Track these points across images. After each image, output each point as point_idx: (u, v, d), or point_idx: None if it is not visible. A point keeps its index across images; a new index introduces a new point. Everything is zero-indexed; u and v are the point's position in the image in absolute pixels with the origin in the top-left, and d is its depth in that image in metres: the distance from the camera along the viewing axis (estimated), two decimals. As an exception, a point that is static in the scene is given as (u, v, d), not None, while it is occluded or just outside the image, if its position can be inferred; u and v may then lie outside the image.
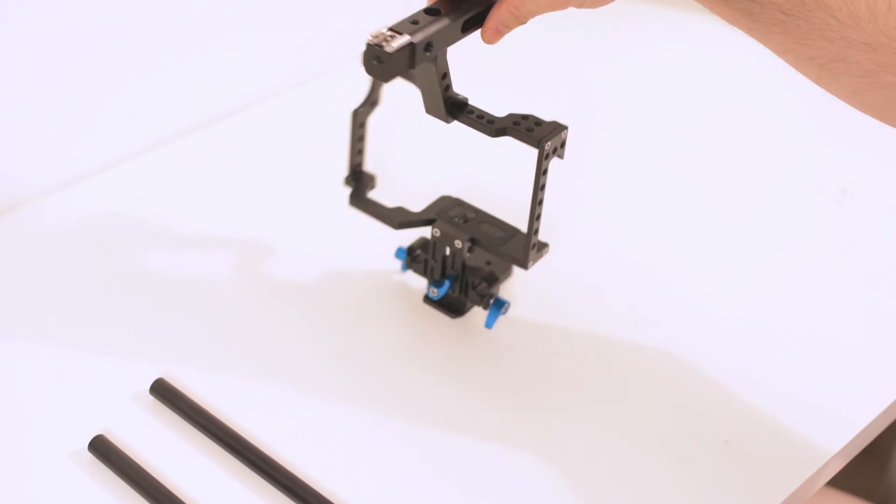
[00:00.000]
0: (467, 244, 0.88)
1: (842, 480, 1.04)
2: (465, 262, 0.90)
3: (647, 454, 0.84)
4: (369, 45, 0.74)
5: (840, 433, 0.86)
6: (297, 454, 0.81)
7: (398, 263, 0.96)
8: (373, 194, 0.94)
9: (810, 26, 0.73)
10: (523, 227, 0.87)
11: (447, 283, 0.91)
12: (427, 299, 0.93)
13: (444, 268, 0.90)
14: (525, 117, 0.82)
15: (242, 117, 1.15)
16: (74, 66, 1.02)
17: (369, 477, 0.81)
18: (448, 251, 0.89)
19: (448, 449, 0.83)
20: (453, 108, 0.82)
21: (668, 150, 1.15)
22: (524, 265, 0.87)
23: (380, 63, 0.74)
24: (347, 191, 0.94)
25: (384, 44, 0.73)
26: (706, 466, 0.83)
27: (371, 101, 0.92)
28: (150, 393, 0.85)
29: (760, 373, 0.90)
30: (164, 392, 0.84)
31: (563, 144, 0.82)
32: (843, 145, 1.15)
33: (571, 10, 0.78)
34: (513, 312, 0.93)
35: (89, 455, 0.80)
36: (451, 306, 0.92)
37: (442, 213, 0.90)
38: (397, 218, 0.91)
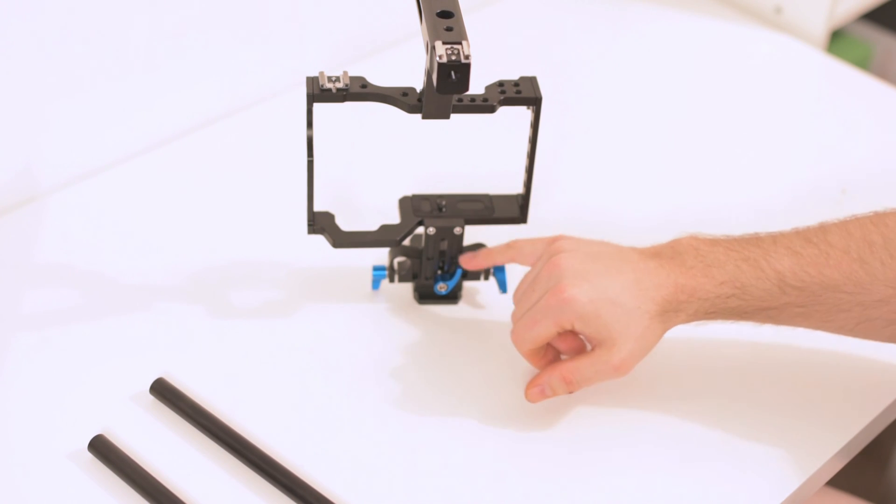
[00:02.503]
0: (463, 228, 0.89)
1: (842, 480, 1.04)
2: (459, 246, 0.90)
3: (647, 454, 0.84)
4: (442, 65, 0.72)
5: (840, 433, 0.86)
6: (297, 454, 0.81)
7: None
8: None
9: (826, 307, 0.80)
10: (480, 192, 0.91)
11: (459, 272, 0.91)
12: (424, 298, 0.93)
13: (440, 262, 0.91)
14: (501, 83, 0.84)
15: (242, 118, 1.15)
16: (73, 67, 1.02)
17: (369, 477, 0.81)
18: (445, 243, 0.89)
19: (448, 447, 0.83)
20: None
21: (666, 150, 1.15)
22: (524, 220, 0.90)
23: (456, 77, 0.72)
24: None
25: (457, 55, 0.72)
26: (706, 466, 0.83)
27: (311, 148, 0.86)
28: (150, 393, 0.85)
29: (761, 372, 0.90)
30: (164, 392, 0.84)
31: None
32: (843, 145, 1.15)
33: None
34: (505, 298, 0.94)
35: (89, 455, 0.80)
36: (446, 295, 0.93)
37: (418, 212, 0.89)
38: (392, 236, 0.89)
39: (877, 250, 0.79)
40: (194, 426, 0.83)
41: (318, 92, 0.81)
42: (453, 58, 0.72)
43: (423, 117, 0.83)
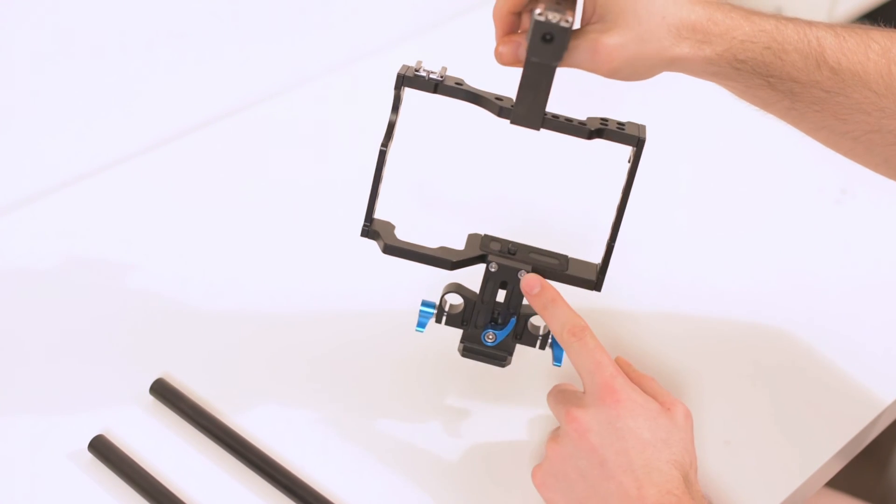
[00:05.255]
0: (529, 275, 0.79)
1: (842, 480, 1.04)
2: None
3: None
4: (538, 23, 0.67)
5: (840, 433, 0.86)
6: (297, 454, 0.81)
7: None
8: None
9: (849, 101, 0.76)
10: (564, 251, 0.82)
11: (512, 322, 0.81)
12: (469, 352, 0.82)
13: (495, 312, 0.81)
14: (605, 120, 0.78)
15: (242, 117, 1.15)
16: (73, 67, 1.02)
17: (369, 477, 0.81)
18: (507, 288, 0.80)
19: (448, 448, 0.83)
20: None
21: (666, 148, 1.15)
22: (598, 287, 0.80)
23: (550, 42, 0.68)
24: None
25: (557, 18, 0.67)
26: (706, 466, 0.83)
27: (391, 136, 0.78)
28: (150, 393, 0.85)
29: (760, 372, 0.90)
30: (164, 392, 0.84)
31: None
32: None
33: None
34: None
35: (89, 455, 0.80)
36: (495, 354, 0.82)
37: (485, 248, 0.80)
38: (450, 258, 0.80)
39: None
40: (194, 426, 0.83)
41: (412, 76, 0.76)
42: (549, 20, 0.67)
43: (512, 121, 0.75)
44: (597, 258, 0.80)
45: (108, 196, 1.04)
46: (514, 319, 0.81)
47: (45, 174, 1.04)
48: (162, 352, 0.89)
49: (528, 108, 0.74)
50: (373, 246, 0.95)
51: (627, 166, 0.78)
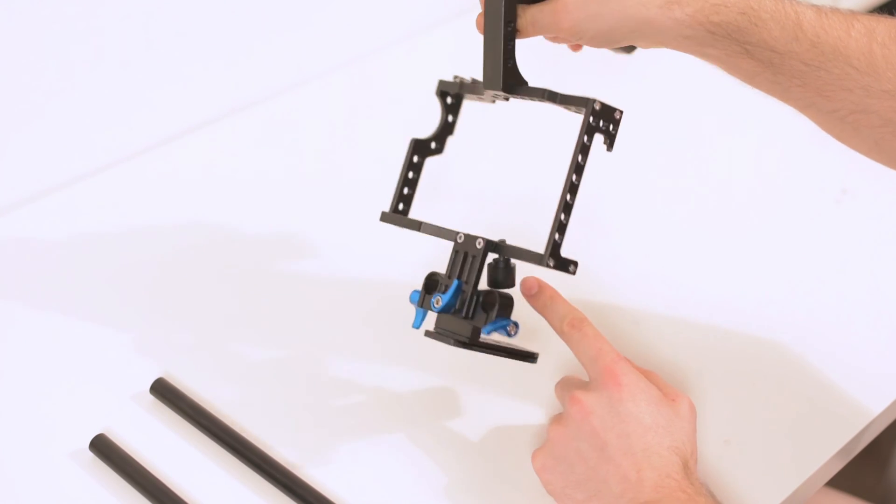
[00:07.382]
0: (484, 246, 0.78)
1: (842, 480, 1.04)
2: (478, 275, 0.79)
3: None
4: None
5: (840, 433, 0.86)
6: (297, 454, 0.81)
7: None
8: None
9: (830, 76, 0.75)
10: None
11: (455, 284, 0.79)
12: (429, 332, 0.81)
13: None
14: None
15: (242, 117, 1.15)
16: (73, 67, 1.02)
17: (369, 477, 0.81)
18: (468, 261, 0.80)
19: (449, 448, 0.83)
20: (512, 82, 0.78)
21: (666, 148, 1.15)
22: (543, 262, 0.77)
23: None
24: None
25: None
26: (706, 466, 0.83)
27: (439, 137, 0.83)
28: (150, 392, 0.85)
29: (760, 372, 0.90)
30: (164, 392, 0.84)
31: (615, 128, 0.77)
32: (844, 145, 1.15)
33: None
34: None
35: (90, 454, 0.81)
36: (442, 331, 0.80)
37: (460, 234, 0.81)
38: (415, 226, 0.82)
39: None
40: (194, 426, 0.83)
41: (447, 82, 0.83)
42: None
43: (484, 86, 0.79)
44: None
45: (108, 196, 1.05)
46: (456, 282, 0.79)
47: (43, 174, 1.04)
48: (162, 352, 0.89)
49: (491, 69, 0.78)
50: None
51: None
